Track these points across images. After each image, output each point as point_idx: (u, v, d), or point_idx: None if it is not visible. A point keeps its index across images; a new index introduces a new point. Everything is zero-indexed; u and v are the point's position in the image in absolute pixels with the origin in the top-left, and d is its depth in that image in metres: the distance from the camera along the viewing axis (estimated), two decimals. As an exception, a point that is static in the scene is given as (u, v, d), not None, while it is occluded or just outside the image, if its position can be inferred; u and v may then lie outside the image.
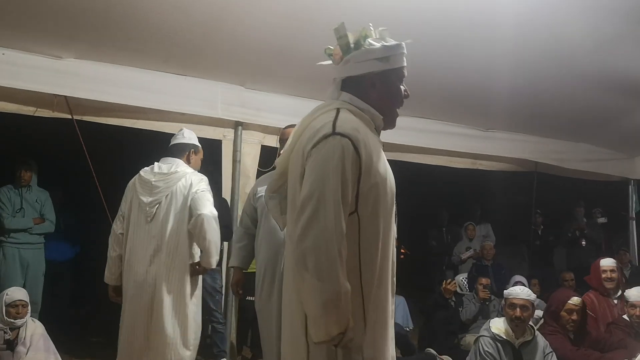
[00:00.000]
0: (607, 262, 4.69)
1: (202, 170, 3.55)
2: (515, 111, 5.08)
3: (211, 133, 4.51)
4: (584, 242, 7.45)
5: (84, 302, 6.70)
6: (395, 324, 5.63)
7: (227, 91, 4.40)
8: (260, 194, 3.16)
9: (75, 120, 4.05)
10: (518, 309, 3.57)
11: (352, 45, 1.88)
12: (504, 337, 3.57)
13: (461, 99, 4.77)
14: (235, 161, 4.56)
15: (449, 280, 5.72)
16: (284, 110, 4.53)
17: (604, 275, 4.60)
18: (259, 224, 3.21)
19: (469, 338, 5.04)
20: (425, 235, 8.71)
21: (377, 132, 1.91)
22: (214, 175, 4.62)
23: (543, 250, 7.73)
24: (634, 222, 7.05)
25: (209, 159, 4.74)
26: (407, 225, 9.54)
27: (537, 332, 3.68)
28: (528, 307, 3.61)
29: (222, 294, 4.67)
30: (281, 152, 2.06)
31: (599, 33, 3.66)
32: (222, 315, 4.66)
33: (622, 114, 5.27)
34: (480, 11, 3.37)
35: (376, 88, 1.87)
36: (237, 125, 4.54)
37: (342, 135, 1.71)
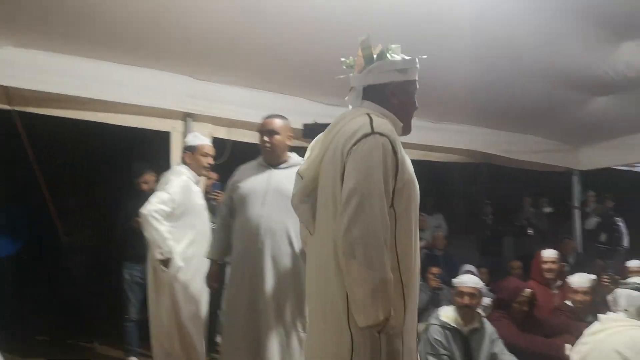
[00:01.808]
0: (547, 254, 4.84)
1: (152, 162, 3.60)
2: (466, 104, 5.15)
3: (159, 125, 4.39)
4: (531, 231, 7.67)
5: (28, 299, 6.47)
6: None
7: (176, 82, 4.28)
8: (238, 184, 3.17)
9: (16, 111, 3.88)
10: (466, 297, 3.64)
11: (374, 57, 2.08)
12: (453, 325, 3.63)
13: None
14: (185, 154, 4.44)
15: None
16: (235, 101, 4.46)
17: (544, 266, 4.76)
18: (235, 215, 3.20)
19: (419, 326, 5.10)
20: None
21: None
22: (164, 169, 4.53)
23: (492, 240, 7.91)
24: (578, 211, 7.31)
25: (158, 151, 4.66)
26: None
27: (484, 320, 3.76)
28: (476, 294, 3.68)
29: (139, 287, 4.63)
30: (305, 157, 2.23)
31: (546, 29, 3.75)
32: (138, 311, 4.64)
33: (567, 107, 5.42)
34: (437, 7, 3.39)
35: (397, 96, 2.07)
36: (186, 116, 4.43)
37: (381, 134, 1.87)
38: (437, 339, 3.57)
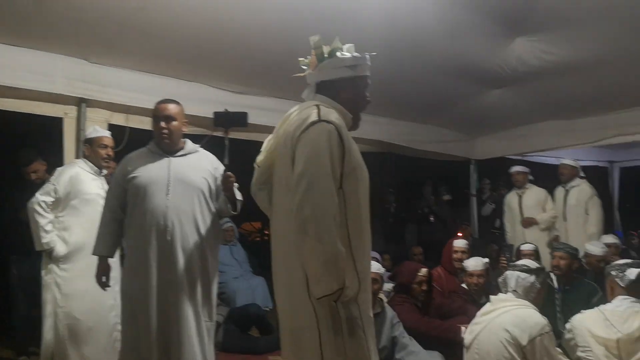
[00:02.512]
0: (459, 243, 5.06)
1: (42, 150, 3.75)
2: (371, 94, 5.23)
3: (50, 110, 4.12)
4: (432, 219, 7.96)
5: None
6: (255, 305, 5.67)
7: (68, 65, 4.03)
8: (133, 174, 2.95)
9: None
10: (369, 283, 3.71)
11: (326, 55, 2.25)
12: (355, 311, 3.68)
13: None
14: (79, 141, 4.17)
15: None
16: (132, 86, 4.27)
17: (454, 255, 4.97)
18: (129, 208, 2.98)
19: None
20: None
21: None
22: (57, 157, 4.27)
23: (395, 227, 8.14)
24: (475, 198, 7.68)
25: (49, 138, 4.38)
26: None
27: (385, 304, 3.85)
28: (378, 280, 3.75)
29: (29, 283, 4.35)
30: (262, 148, 2.38)
31: (446, 23, 3.86)
32: (28, 307, 4.39)
33: (465, 98, 5.65)
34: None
35: (346, 91, 2.25)
36: (80, 102, 4.18)
37: (327, 122, 2.06)
38: (339, 325, 3.61)
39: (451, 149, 7.08)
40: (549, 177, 6.56)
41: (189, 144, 3.10)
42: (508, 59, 4.54)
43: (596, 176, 9.49)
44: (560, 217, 5.95)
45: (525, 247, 5.10)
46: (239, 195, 3.06)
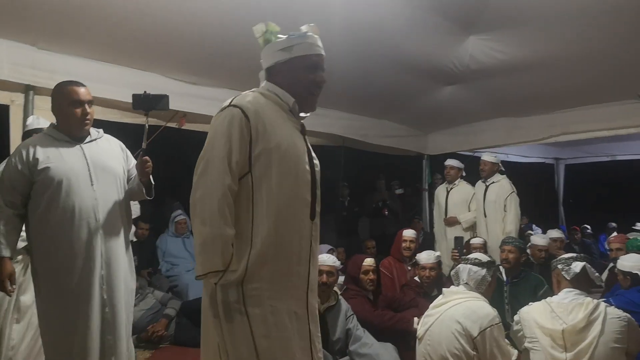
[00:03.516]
0: (408, 233, 5.25)
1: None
2: (327, 88, 5.22)
3: (-5, 97, 3.98)
4: (386, 212, 8.06)
5: None
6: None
7: (15, 50, 3.85)
8: (46, 165, 2.64)
9: None
10: (324, 275, 3.72)
11: (261, 42, 2.20)
12: (310, 303, 3.70)
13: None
14: (26, 129, 4.05)
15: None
16: (82, 74, 4.05)
17: (403, 245, 5.16)
18: (42, 203, 2.64)
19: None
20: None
21: (294, 114, 2.20)
22: (3, 146, 4.11)
23: (349, 220, 8.19)
24: (427, 193, 7.82)
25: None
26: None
27: (340, 297, 3.88)
28: (333, 273, 3.79)
29: None
30: None
31: (401, 19, 3.90)
32: None
33: (418, 95, 5.74)
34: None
35: (283, 74, 2.17)
36: (27, 89, 4.03)
37: (235, 106, 2.04)
38: (293, 318, 3.62)
39: (405, 144, 7.18)
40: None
41: (92, 129, 2.88)
42: (461, 56, 4.63)
43: (542, 172, 9.85)
44: (480, 213, 5.91)
45: (475, 241, 5.26)
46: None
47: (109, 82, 4.18)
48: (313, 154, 2.25)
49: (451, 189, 6.26)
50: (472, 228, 6.07)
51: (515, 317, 3.12)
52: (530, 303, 3.10)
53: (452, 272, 3.38)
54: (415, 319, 3.66)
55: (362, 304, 3.99)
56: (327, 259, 3.87)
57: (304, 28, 2.21)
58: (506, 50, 4.41)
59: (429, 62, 4.79)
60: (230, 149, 1.98)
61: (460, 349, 2.95)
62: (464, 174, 6.32)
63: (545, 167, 9.78)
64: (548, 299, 3.02)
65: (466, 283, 3.19)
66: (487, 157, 6.01)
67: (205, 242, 1.93)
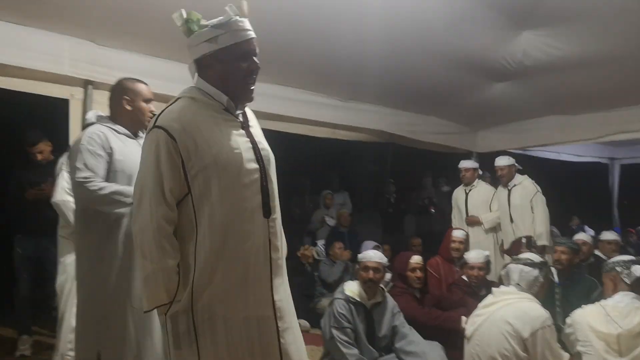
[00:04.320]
0: (458, 234, 5.19)
1: (47, 131, 3.65)
2: (374, 84, 5.23)
3: (57, 91, 4.08)
4: (432, 210, 7.99)
5: None
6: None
7: (75, 46, 3.98)
8: (119, 158, 2.66)
9: None
10: (371, 271, 3.74)
11: (184, 32, 2.00)
12: (357, 299, 3.72)
13: (323, 70, 4.81)
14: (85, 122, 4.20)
15: (305, 246, 5.86)
16: (138, 69, 4.18)
17: (452, 245, 5.10)
18: None
19: (325, 302, 5.21)
20: (287, 203, 8.80)
21: (230, 110, 2.02)
22: (60, 138, 4.28)
23: (395, 218, 8.17)
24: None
25: (54, 119, 4.37)
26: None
27: (387, 294, 3.89)
28: (380, 269, 3.79)
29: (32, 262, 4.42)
30: None
31: (453, 14, 3.85)
32: (30, 287, 4.43)
33: (468, 92, 5.65)
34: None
35: (212, 68, 1.98)
36: (86, 84, 4.16)
37: (159, 127, 1.89)
38: (341, 313, 3.65)
39: (453, 141, 7.07)
40: (548, 173, 6.56)
41: None
42: (513, 52, 4.54)
43: (596, 172, 9.57)
44: (506, 218, 5.71)
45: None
46: None
47: (164, 78, 4.27)
48: (260, 144, 2.06)
49: (469, 190, 6.11)
50: (495, 229, 5.89)
51: (568, 320, 3.06)
52: (583, 306, 3.03)
53: (503, 272, 3.33)
54: (464, 318, 3.63)
55: (409, 302, 3.98)
56: (374, 255, 3.88)
57: (227, 9, 1.96)
58: (562, 46, 4.30)
59: (480, 58, 4.71)
60: (161, 177, 1.87)
61: (510, 350, 2.91)
62: (480, 172, 6.20)
63: (600, 167, 9.48)
64: (602, 302, 2.95)
65: (517, 284, 3.14)
66: (501, 161, 5.85)
67: (147, 277, 1.87)
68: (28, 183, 4.23)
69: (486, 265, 4.44)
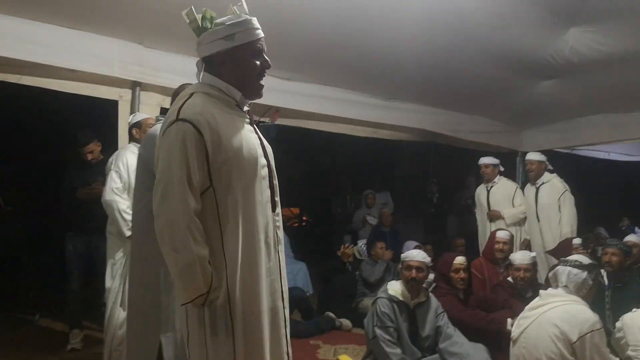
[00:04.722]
0: (502, 235, 5.08)
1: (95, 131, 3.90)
2: (416, 83, 5.21)
3: (106, 93, 4.23)
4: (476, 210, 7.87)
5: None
6: (296, 289, 5.77)
7: (124, 49, 4.11)
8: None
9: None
10: (414, 271, 3.73)
11: (198, 28, 2.02)
12: (400, 298, 3.72)
13: (365, 69, 4.81)
14: (132, 123, 4.31)
15: (346, 245, 5.87)
16: (184, 71, 4.29)
17: (496, 246, 5.00)
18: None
19: (367, 301, 5.21)
20: (328, 202, 8.83)
21: (241, 106, 2.06)
22: (109, 138, 4.41)
23: (437, 218, 8.09)
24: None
25: (104, 120, 4.51)
26: (310, 193, 9.64)
27: (430, 294, 3.86)
28: (423, 269, 3.78)
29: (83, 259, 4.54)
30: None
31: (497, 12, 3.79)
32: (81, 283, 4.55)
33: (513, 90, 5.55)
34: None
35: (227, 66, 2.01)
36: (134, 85, 4.28)
37: (184, 120, 1.88)
38: (384, 312, 3.65)
39: (497, 140, 6.96)
40: (598, 173, 6.39)
41: None
42: (560, 49, 4.43)
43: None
44: (533, 217, 5.62)
45: (575, 242, 5.06)
46: None
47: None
48: (265, 142, 2.13)
49: (491, 187, 6.00)
50: (519, 224, 5.77)
51: (618, 324, 2.99)
52: (633, 309, 2.95)
53: (550, 274, 3.26)
54: (509, 320, 3.58)
55: (453, 303, 3.94)
56: (417, 254, 3.87)
57: (236, 9, 2.03)
58: (610, 43, 4.18)
59: (525, 56, 4.62)
60: (189, 170, 1.87)
61: (558, 353, 2.85)
62: (501, 168, 6.06)
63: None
64: (654, 305, 2.86)
65: (565, 286, 3.07)
66: (533, 156, 5.73)
67: (183, 268, 1.85)
68: (80, 183, 4.37)
69: (532, 267, 4.35)
